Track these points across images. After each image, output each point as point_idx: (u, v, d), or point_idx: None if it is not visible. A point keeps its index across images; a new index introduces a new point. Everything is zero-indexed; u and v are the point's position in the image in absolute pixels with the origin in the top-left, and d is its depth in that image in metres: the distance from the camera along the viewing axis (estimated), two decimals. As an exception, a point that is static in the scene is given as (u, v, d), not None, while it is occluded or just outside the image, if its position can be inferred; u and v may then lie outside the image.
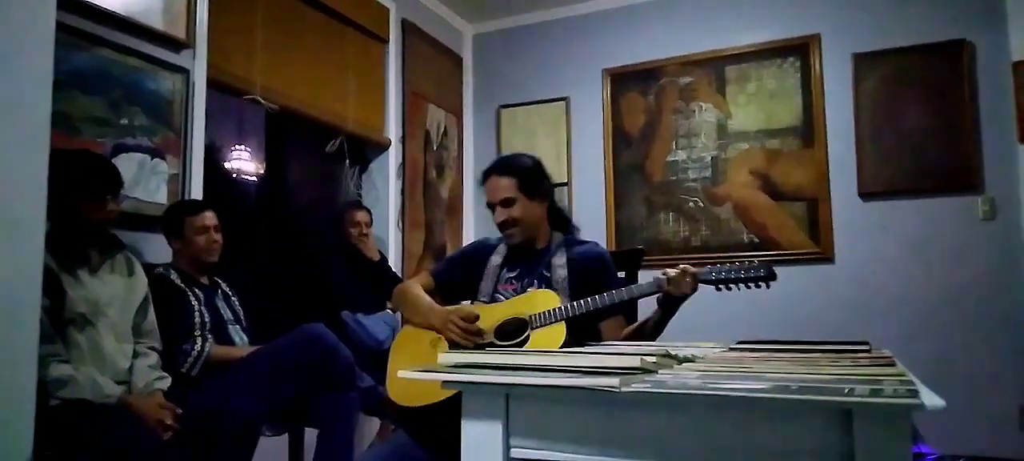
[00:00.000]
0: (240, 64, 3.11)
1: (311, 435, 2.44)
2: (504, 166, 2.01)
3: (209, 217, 2.45)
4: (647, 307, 1.93)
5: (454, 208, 4.61)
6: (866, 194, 3.80)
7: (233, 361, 2.29)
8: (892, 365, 1.06)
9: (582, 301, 1.80)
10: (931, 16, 3.71)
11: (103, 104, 2.45)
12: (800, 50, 3.99)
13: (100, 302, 1.99)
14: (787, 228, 3.96)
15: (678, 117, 4.25)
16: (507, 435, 0.94)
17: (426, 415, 1.67)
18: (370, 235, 3.68)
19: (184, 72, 2.75)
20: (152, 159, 2.62)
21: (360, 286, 3.55)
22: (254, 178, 4.37)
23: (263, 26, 3.25)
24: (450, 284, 2.09)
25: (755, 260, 1.82)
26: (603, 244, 3.26)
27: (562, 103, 4.54)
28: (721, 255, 4.02)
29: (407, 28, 4.20)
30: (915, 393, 0.76)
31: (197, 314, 2.34)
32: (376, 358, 3.00)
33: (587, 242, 2.07)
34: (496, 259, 2.03)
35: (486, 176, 2.03)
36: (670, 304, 1.83)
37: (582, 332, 1.80)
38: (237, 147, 4.38)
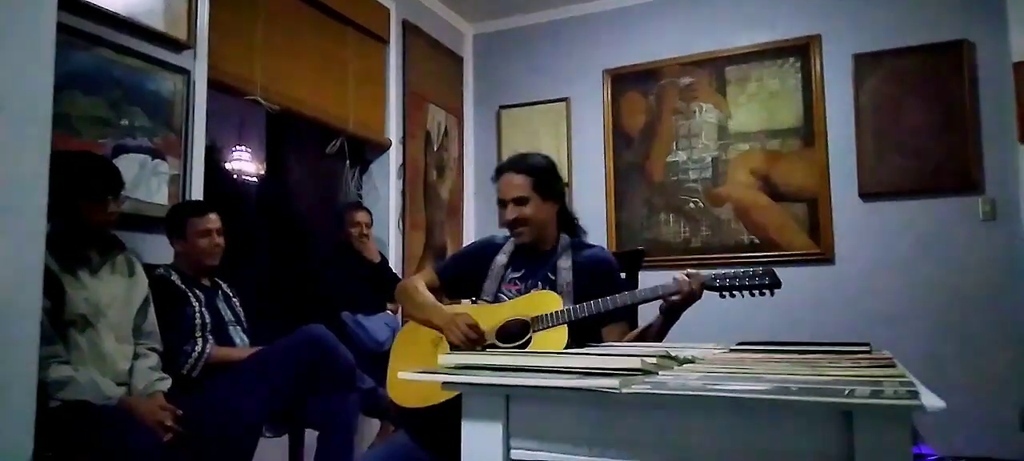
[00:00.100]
0: (241, 65, 3.11)
1: (311, 436, 2.44)
2: (519, 164, 1.99)
3: (212, 220, 2.45)
4: (647, 312, 1.93)
5: (455, 209, 4.61)
6: (866, 195, 3.80)
7: (234, 362, 2.29)
8: (892, 366, 1.06)
9: (585, 305, 1.79)
10: (931, 16, 3.71)
11: (104, 105, 2.45)
12: (800, 50, 3.99)
13: (101, 303, 1.99)
14: (787, 229, 3.96)
15: (678, 118, 4.25)
16: (507, 436, 0.94)
17: (427, 416, 1.66)
18: (370, 236, 3.68)
19: (185, 73, 2.75)
20: (153, 160, 2.62)
21: (360, 287, 3.55)
22: (254, 179, 4.38)
23: (264, 27, 3.25)
24: (454, 282, 2.08)
25: (760, 268, 1.81)
26: (603, 245, 3.26)
27: (562, 104, 4.54)
28: (721, 256, 4.03)
29: (407, 28, 4.20)
30: (915, 394, 0.76)
31: (198, 315, 2.34)
32: (376, 359, 3.00)
33: (594, 246, 2.06)
34: (501, 258, 2.02)
35: (500, 172, 2.01)
36: (673, 310, 1.83)
37: (585, 336, 1.79)
38: (238, 148, 4.39)
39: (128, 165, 2.47)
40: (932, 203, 3.67)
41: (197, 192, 2.79)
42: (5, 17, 1.54)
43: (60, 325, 1.89)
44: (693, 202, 4.18)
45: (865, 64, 3.83)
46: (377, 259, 3.68)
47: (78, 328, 1.93)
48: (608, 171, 4.37)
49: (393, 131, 4.07)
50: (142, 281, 2.17)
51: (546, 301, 1.84)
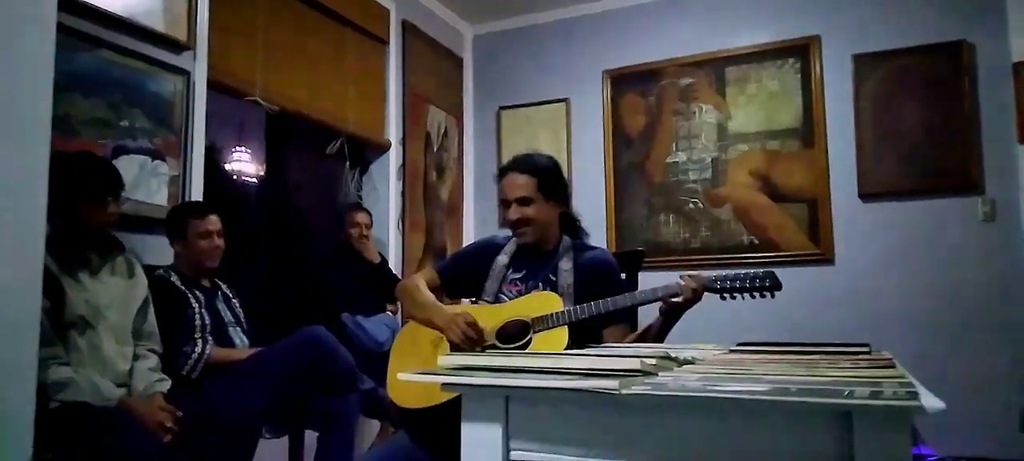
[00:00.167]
0: (240, 65, 3.11)
1: (311, 438, 2.44)
2: (524, 164, 1.97)
3: (213, 222, 2.45)
4: (646, 314, 1.92)
5: (454, 209, 4.61)
6: (866, 195, 3.80)
7: (233, 363, 2.29)
8: (892, 367, 1.06)
9: (586, 306, 1.79)
10: (931, 17, 3.72)
11: (103, 106, 2.45)
12: (800, 51, 3.99)
13: (100, 304, 1.99)
14: (787, 229, 3.96)
15: (678, 118, 4.25)
16: (507, 437, 0.94)
17: (427, 416, 1.66)
18: (370, 237, 3.68)
19: (184, 74, 2.75)
20: (152, 161, 2.62)
21: (360, 288, 3.55)
22: (254, 179, 4.38)
23: (263, 28, 3.25)
24: (455, 282, 2.08)
25: (761, 270, 1.81)
26: (603, 246, 3.26)
27: (562, 104, 4.54)
28: (721, 256, 4.03)
29: (407, 29, 4.21)
30: (915, 395, 0.76)
31: (197, 316, 2.34)
32: (376, 360, 3.00)
33: (595, 248, 2.05)
34: (503, 259, 2.02)
35: (504, 172, 2.00)
36: (673, 312, 1.83)
37: (585, 338, 1.79)
38: (237, 149, 4.39)
39: (128, 166, 2.47)
40: (932, 203, 3.67)
41: (197, 193, 2.79)
42: (5, 18, 1.54)
43: (60, 326, 1.89)
44: (693, 203, 4.18)
45: (865, 64, 3.83)
46: (377, 260, 3.68)
47: (78, 329, 1.93)
48: (608, 172, 4.37)
49: (393, 132, 4.07)
50: (142, 282, 2.17)
51: (547, 302, 1.84)
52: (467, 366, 1.05)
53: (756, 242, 4.02)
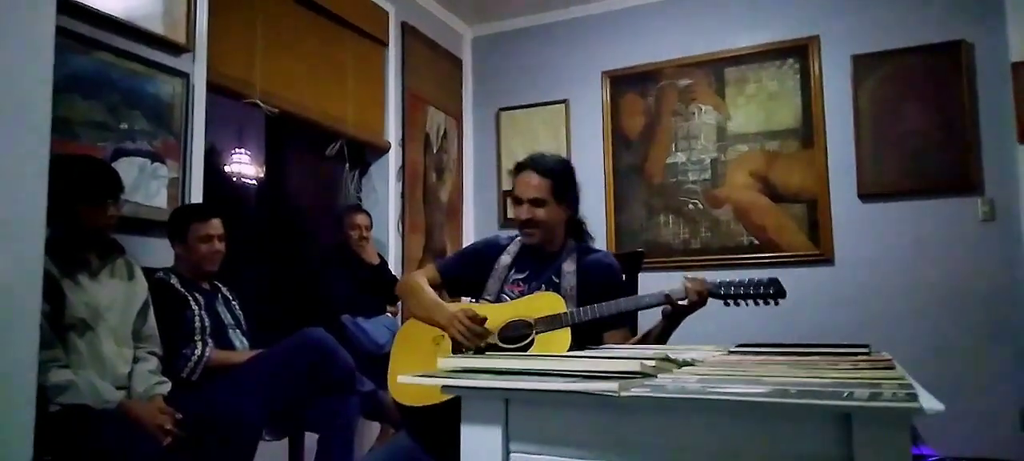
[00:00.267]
0: (240, 67, 3.11)
1: (311, 439, 2.44)
2: (541, 165, 1.96)
3: (215, 225, 2.44)
4: (645, 318, 1.92)
5: (454, 211, 4.61)
6: (866, 195, 3.80)
7: (233, 365, 2.29)
8: (892, 368, 1.06)
9: (589, 308, 1.79)
10: (930, 17, 3.72)
11: (103, 108, 2.45)
12: (799, 51, 3.99)
13: (100, 307, 1.99)
14: (787, 230, 3.96)
15: (677, 119, 4.25)
16: (507, 440, 0.94)
17: (429, 415, 1.66)
18: (370, 238, 3.68)
19: (184, 76, 2.75)
20: (152, 163, 2.62)
21: (360, 290, 3.55)
22: (254, 181, 4.37)
23: (263, 30, 3.25)
24: (456, 280, 2.07)
25: (765, 277, 1.80)
26: (603, 247, 3.26)
27: (561, 105, 4.55)
28: (721, 257, 4.03)
29: (406, 31, 4.21)
30: (914, 397, 0.76)
31: (197, 318, 2.34)
32: (376, 362, 3.01)
33: (598, 251, 2.05)
34: (506, 259, 2.02)
35: (520, 168, 1.99)
36: (676, 315, 1.83)
37: (587, 341, 1.79)
38: (237, 151, 4.38)
39: (127, 168, 2.47)
40: (931, 204, 3.67)
41: (196, 195, 2.79)
42: (4, 20, 1.54)
43: (59, 329, 1.89)
44: (692, 203, 4.18)
45: (864, 65, 3.83)
46: (376, 261, 3.68)
47: (77, 332, 1.93)
48: (607, 173, 4.37)
49: (392, 133, 4.07)
50: (141, 284, 2.17)
51: (549, 303, 1.83)
52: (466, 368, 1.05)
53: (756, 243, 4.02)
